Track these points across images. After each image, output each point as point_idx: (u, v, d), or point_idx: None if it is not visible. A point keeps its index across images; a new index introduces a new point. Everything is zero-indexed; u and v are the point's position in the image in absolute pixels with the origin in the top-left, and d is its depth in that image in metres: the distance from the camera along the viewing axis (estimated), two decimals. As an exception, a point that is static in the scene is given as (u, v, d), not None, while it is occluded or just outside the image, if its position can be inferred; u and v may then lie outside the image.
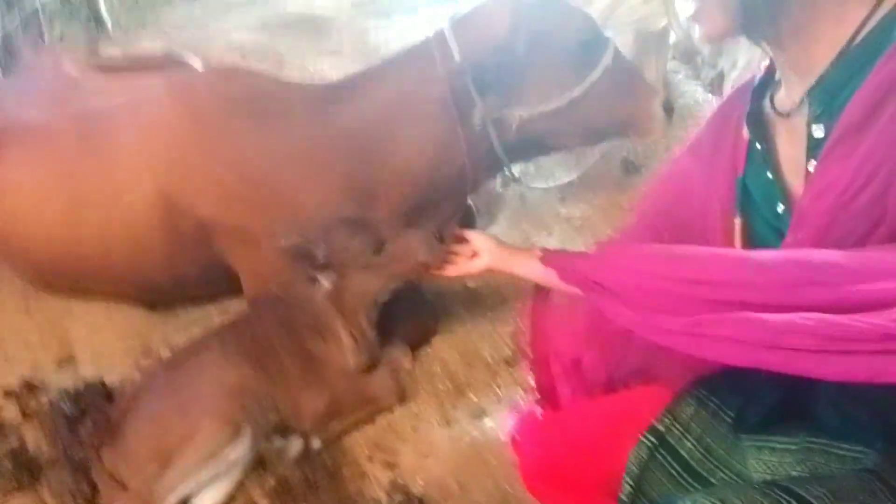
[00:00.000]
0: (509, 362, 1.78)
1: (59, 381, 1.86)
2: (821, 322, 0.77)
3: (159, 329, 2.08)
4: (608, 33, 1.84)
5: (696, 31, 0.94)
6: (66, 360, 1.94)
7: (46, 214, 1.93)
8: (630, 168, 2.64)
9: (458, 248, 1.54)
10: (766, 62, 1.04)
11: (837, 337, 0.75)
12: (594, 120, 1.82)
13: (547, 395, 1.43)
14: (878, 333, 0.73)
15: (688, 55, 3.41)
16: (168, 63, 2.55)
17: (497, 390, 1.70)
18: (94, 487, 1.56)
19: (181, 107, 1.84)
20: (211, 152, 1.80)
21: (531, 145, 1.88)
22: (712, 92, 3.05)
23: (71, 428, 1.69)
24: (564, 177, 2.59)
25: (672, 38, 3.23)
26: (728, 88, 2.92)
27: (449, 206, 1.98)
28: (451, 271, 1.55)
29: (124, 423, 1.57)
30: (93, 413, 1.72)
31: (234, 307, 2.12)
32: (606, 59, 1.75)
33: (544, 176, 2.64)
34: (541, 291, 1.46)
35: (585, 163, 2.44)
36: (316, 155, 1.80)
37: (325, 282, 1.61)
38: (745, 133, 1.04)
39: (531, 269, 1.38)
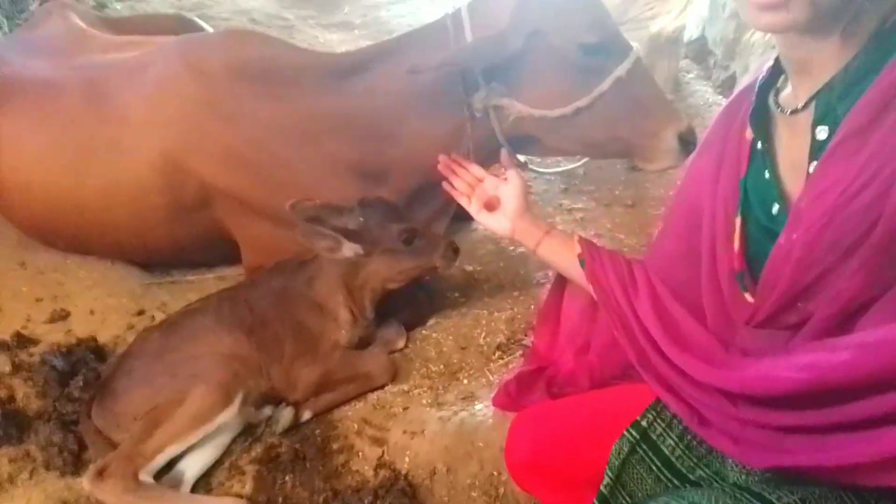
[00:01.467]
0: (502, 349, 1.78)
1: (52, 335, 1.86)
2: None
3: (154, 291, 2.08)
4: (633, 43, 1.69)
5: (754, 18, 0.87)
6: (59, 316, 1.92)
7: (49, 166, 1.92)
8: (635, 165, 2.63)
9: (487, 184, 1.56)
10: (771, 62, 1.04)
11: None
12: (596, 135, 1.68)
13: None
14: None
15: (701, 55, 3.41)
16: (178, 25, 2.54)
17: (489, 376, 1.70)
18: (81, 443, 1.56)
19: (191, 67, 1.82)
20: (219, 116, 1.78)
21: (529, 142, 1.80)
22: (723, 94, 3.04)
23: (61, 383, 1.69)
24: (570, 165, 2.60)
25: (686, 37, 3.21)
26: (738, 91, 2.91)
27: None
28: (474, 215, 1.56)
29: (116, 381, 1.58)
30: (83, 370, 1.72)
31: (231, 275, 2.12)
32: (620, 70, 1.60)
33: (548, 165, 2.64)
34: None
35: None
36: (326, 128, 1.78)
37: (348, 250, 1.61)
38: (749, 132, 1.03)
39: (563, 261, 1.37)
